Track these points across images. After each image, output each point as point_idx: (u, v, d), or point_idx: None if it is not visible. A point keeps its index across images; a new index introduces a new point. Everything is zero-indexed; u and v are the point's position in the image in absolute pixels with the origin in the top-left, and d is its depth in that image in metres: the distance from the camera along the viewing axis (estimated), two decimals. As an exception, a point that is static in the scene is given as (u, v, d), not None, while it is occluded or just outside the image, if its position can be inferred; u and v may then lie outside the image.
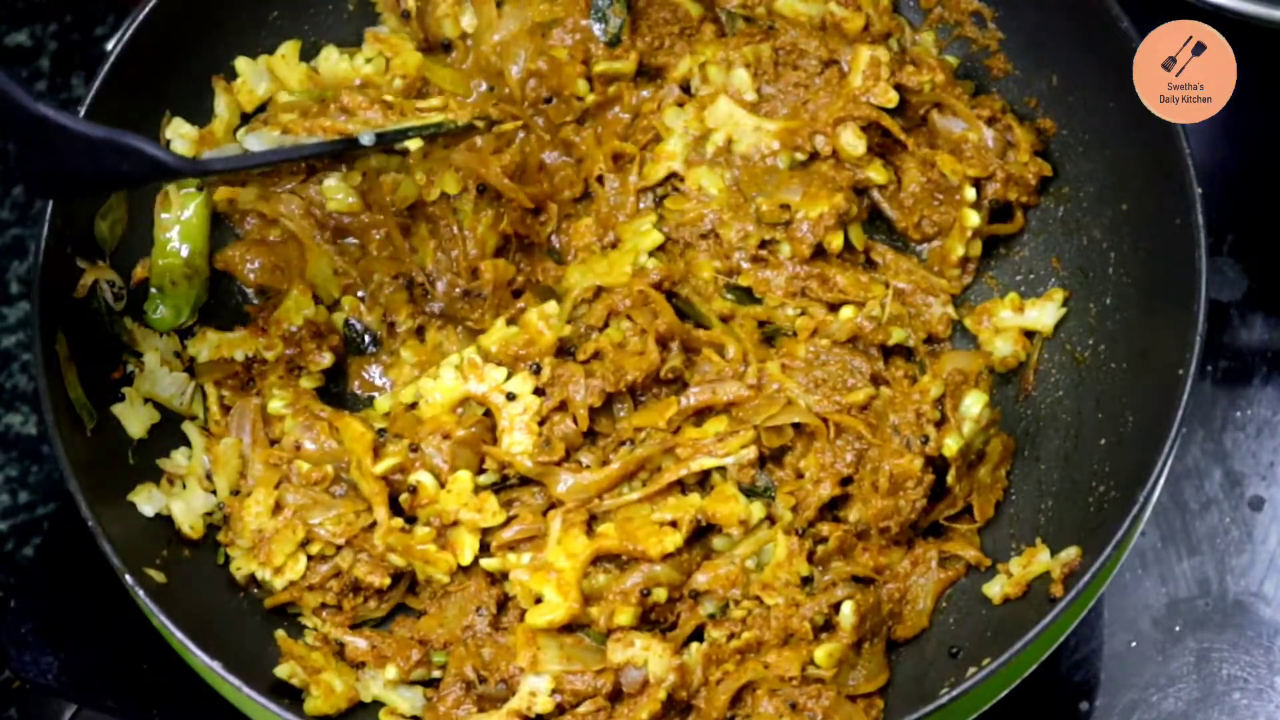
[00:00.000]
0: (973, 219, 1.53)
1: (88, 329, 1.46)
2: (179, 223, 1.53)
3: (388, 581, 1.42)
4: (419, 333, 1.55)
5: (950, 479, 1.42)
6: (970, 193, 1.53)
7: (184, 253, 1.53)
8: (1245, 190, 1.76)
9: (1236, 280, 1.72)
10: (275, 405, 1.49)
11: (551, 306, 1.49)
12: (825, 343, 1.47)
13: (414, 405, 1.48)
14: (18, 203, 1.89)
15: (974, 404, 1.43)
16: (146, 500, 1.42)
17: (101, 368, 1.46)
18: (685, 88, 1.59)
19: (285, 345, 1.50)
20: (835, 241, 1.52)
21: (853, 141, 1.52)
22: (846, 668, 1.36)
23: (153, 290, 1.51)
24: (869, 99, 1.52)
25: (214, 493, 1.46)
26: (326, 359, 1.51)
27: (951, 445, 1.40)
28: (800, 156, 1.55)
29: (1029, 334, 1.52)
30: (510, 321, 1.49)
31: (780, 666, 1.35)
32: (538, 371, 1.45)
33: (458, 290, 1.53)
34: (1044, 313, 1.51)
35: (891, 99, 1.52)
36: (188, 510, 1.43)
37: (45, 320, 1.39)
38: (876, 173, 1.54)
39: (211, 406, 1.50)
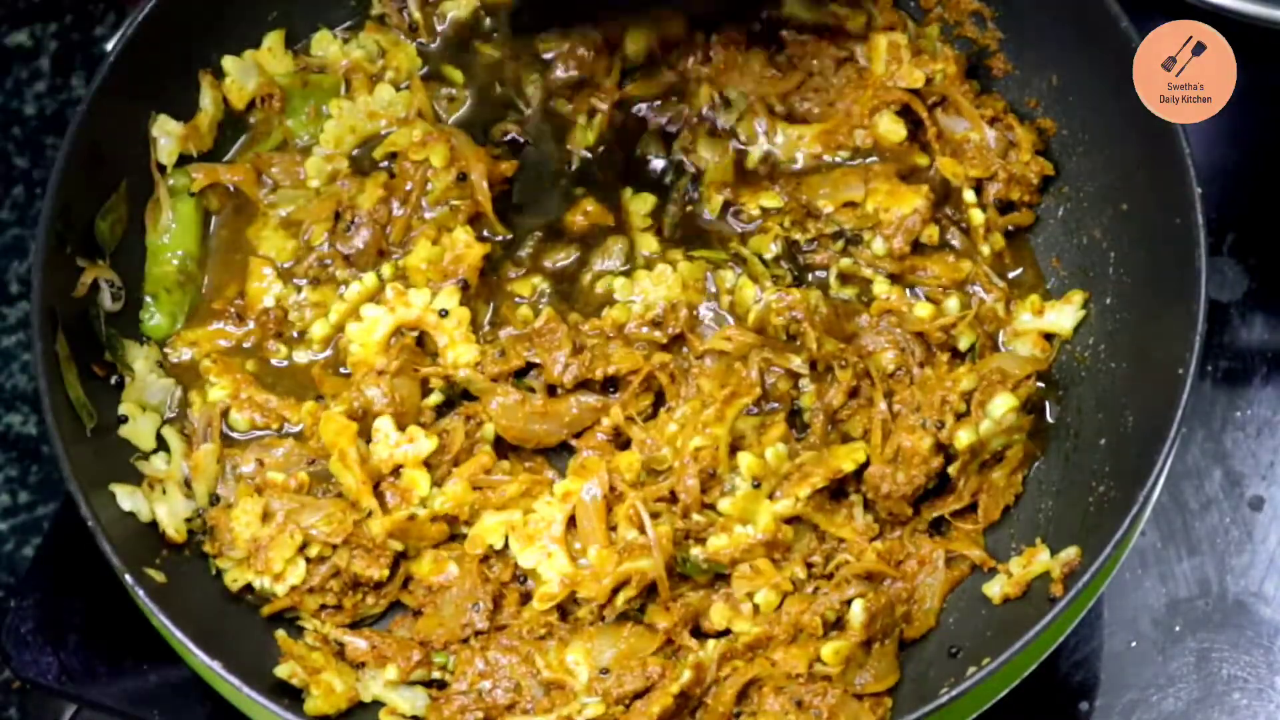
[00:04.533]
0: (978, 217, 1.52)
1: (88, 329, 1.46)
2: (170, 230, 1.53)
3: (386, 573, 1.41)
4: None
5: (953, 470, 1.42)
6: (969, 195, 1.53)
7: (176, 260, 1.53)
8: (1245, 190, 1.76)
9: (1236, 280, 1.72)
10: (215, 394, 1.48)
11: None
12: (893, 319, 1.48)
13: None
14: (18, 203, 1.89)
15: (1000, 405, 1.42)
16: (127, 496, 1.41)
17: (102, 366, 1.46)
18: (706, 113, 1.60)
19: (262, 330, 1.51)
20: (931, 232, 1.52)
21: (891, 127, 1.53)
22: (854, 666, 1.36)
23: (147, 299, 1.52)
24: (896, 83, 1.52)
25: (193, 499, 1.45)
26: (283, 349, 1.52)
27: (963, 438, 1.40)
28: (844, 155, 1.55)
29: (1048, 336, 1.51)
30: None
31: (787, 663, 1.35)
32: (466, 287, 1.48)
33: (372, 244, 1.53)
34: (1063, 315, 1.50)
35: (918, 79, 1.53)
36: (171, 514, 1.43)
37: (45, 320, 1.39)
38: (920, 159, 1.54)
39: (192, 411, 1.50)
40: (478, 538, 1.42)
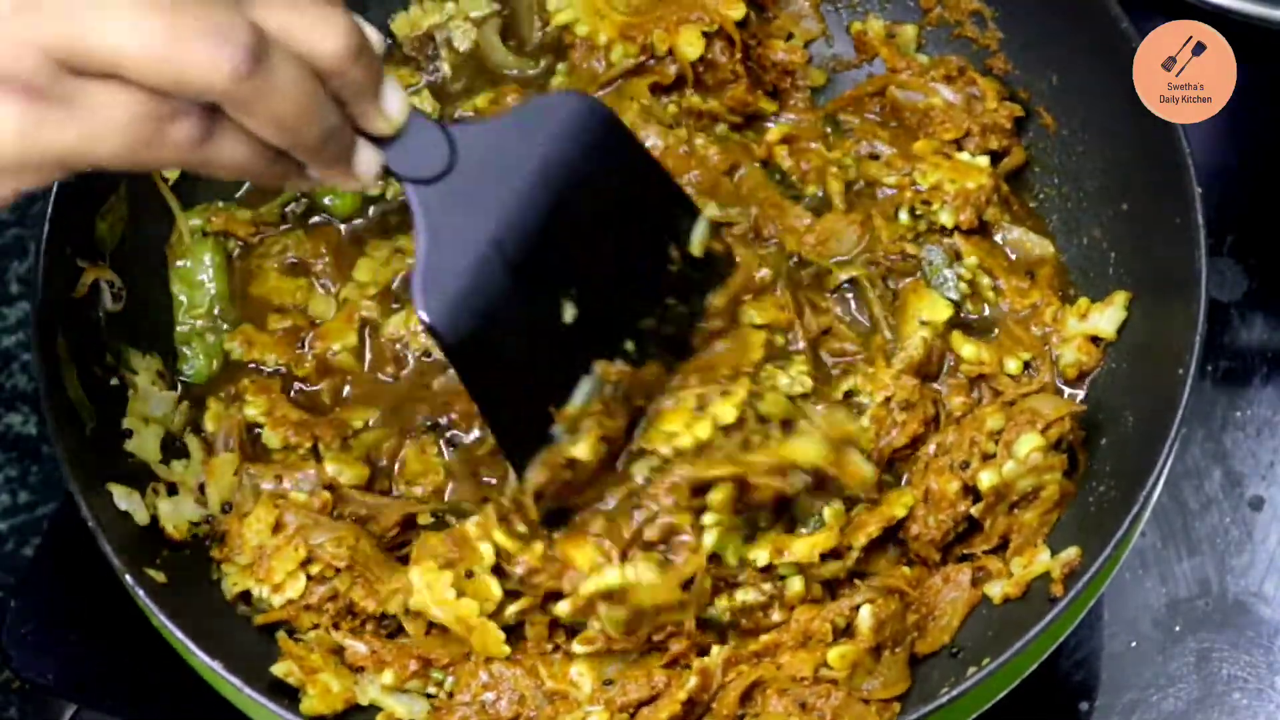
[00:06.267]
0: (984, 163, 1.53)
1: (88, 330, 1.46)
2: (196, 279, 1.53)
3: (381, 610, 1.40)
4: None
5: (976, 511, 1.40)
6: (965, 156, 1.53)
7: (207, 301, 1.53)
8: (1245, 190, 1.76)
9: (1236, 280, 1.72)
10: (251, 412, 1.47)
11: None
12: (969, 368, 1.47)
13: None
14: (18, 203, 1.88)
15: (1024, 445, 1.38)
16: (124, 496, 1.40)
17: (102, 368, 1.46)
18: None
19: (318, 372, 1.50)
20: (992, 212, 1.52)
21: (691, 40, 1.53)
22: (862, 672, 1.34)
23: (182, 350, 1.51)
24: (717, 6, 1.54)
25: (204, 505, 1.45)
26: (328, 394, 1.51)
27: (985, 480, 1.38)
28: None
29: (1094, 340, 1.48)
30: None
31: (793, 667, 1.34)
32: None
33: None
34: (1104, 318, 1.47)
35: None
36: (175, 513, 1.42)
37: (45, 320, 1.39)
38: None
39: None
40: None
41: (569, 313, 1.25)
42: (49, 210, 1.41)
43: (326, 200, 1.56)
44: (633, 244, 1.30)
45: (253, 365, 1.51)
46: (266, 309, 1.54)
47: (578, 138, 1.22)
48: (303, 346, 1.51)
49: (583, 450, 1.29)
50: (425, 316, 1.16)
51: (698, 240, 1.35)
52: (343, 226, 1.56)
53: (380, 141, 1.09)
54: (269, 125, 0.97)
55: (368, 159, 1.08)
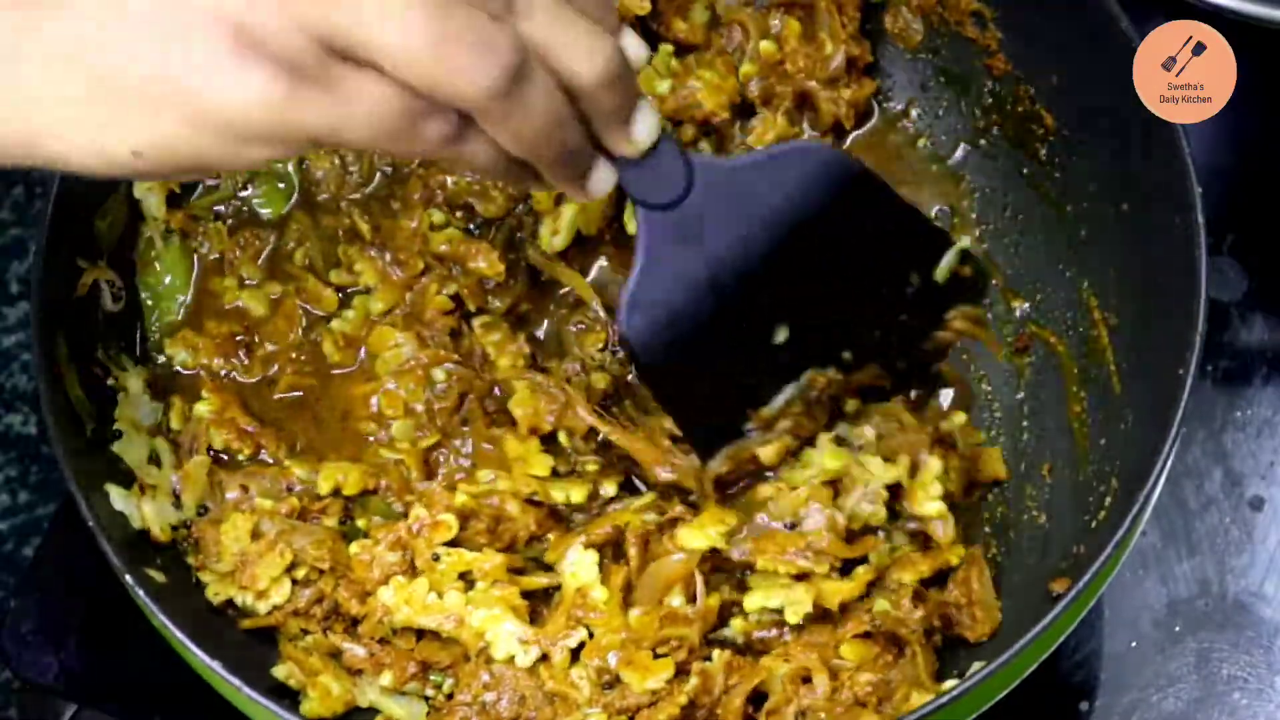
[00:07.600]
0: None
1: (88, 330, 1.46)
2: (164, 281, 1.52)
3: (365, 612, 1.40)
4: None
5: None
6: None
7: (177, 314, 1.52)
8: (1245, 190, 1.76)
9: (1236, 280, 1.72)
10: (201, 408, 1.47)
11: None
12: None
13: None
14: (18, 203, 1.89)
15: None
16: (121, 498, 1.39)
17: (102, 369, 1.46)
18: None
19: (264, 368, 1.50)
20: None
21: None
22: (881, 666, 1.34)
23: (163, 356, 1.51)
24: None
25: (180, 508, 1.44)
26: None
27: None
28: None
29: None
30: None
31: (803, 662, 1.33)
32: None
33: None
34: None
35: None
36: (158, 514, 1.41)
37: (45, 320, 1.39)
38: None
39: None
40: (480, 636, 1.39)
41: (780, 335, 1.27)
42: (49, 210, 1.41)
43: (256, 203, 1.55)
44: (867, 279, 1.30)
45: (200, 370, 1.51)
46: (211, 311, 1.53)
47: (822, 190, 1.20)
48: (247, 351, 1.51)
49: (769, 454, 1.32)
50: (627, 335, 1.18)
51: (944, 269, 1.34)
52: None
53: (620, 159, 1.08)
54: (513, 140, 0.99)
55: (602, 178, 1.08)
